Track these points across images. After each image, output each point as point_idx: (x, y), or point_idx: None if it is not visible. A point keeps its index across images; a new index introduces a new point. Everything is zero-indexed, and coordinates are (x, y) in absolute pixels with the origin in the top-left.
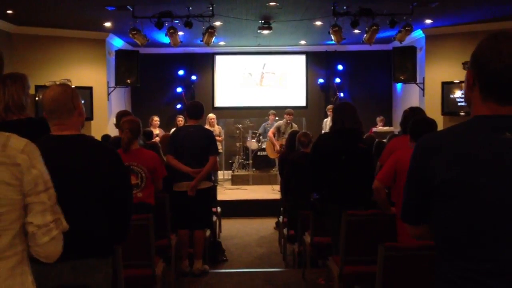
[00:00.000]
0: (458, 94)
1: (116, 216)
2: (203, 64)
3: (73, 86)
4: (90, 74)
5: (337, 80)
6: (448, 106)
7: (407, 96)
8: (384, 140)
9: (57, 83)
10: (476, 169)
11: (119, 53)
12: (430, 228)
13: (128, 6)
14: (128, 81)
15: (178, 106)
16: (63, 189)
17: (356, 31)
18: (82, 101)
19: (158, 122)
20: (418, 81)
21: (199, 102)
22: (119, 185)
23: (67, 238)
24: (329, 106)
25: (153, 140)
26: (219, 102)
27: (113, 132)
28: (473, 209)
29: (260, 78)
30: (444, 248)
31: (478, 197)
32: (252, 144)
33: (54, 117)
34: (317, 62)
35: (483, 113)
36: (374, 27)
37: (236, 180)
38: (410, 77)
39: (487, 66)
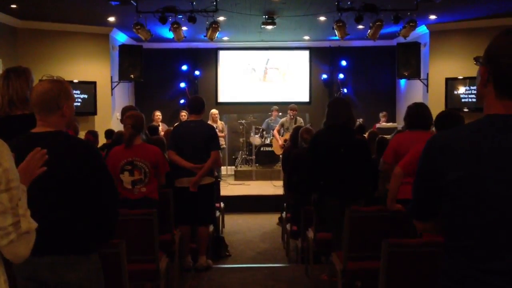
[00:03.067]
0: (462, 90)
1: (97, 213)
2: (207, 59)
3: (66, 81)
4: (94, 68)
5: (341, 75)
6: (452, 102)
7: (411, 92)
8: (387, 136)
9: (55, 77)
10: (487, 168)
11: (123, 48)
12: (437, 225)
13: (132, 1)
14: (132, 76)
15: (182, 101)
16: (38, 185)
17: (360, 26)
18: (85, 96)
19: (160, 117)
20: (422, 77)
21: (200, 97)
22: (97, 179)
23: (43, 234)
24: None
25: (158, 136)
26: (222, 97)
27: (117, 126)
28: (483, 208)
29: (264, 74)
30: (451, 246)
31: (487, 196)
32: (256, 139)
33: (36, 111)
34: (321, 57)
35: (496, 112)
36: (378, 23)
37: (239, 176)
38: (414, 73)
39: (502, 63)
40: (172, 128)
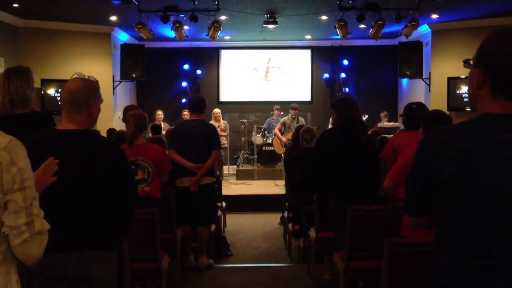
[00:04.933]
0: (464, 89)
1: (119, 209)
2: (208, 58)
3: (97, 82)
4: (96, 68)
5: (343, 75)
6: (454, 102)
7: (413, 91)
8: (388, 136)
9: (86, 77)
10: (482, 166)
11: (125, 47)
12: (431, 221)
13: (133, 0)
14: (134, 75)
15: (183, 100)
16: (64, 181)
17: (362, 25)
18: None
19: (162, 116)
20: (424, 77)
21: (201, 96)
22: (122, 178)
23: (72, 229)
24: None
25: (159, 135)
26: (224, 96)
27: (119, 126)
28: (478, 206)
29: (265, 73)
30: (445, 243)
31: (483, 194)
32: (257, 139)
33: (64, 108)
34: (323, 57)
35: (491, 111)
36: (380, 22)
37: (241, 175)
38: (416, 72)
39: (498, 64)
40: (173, 127)
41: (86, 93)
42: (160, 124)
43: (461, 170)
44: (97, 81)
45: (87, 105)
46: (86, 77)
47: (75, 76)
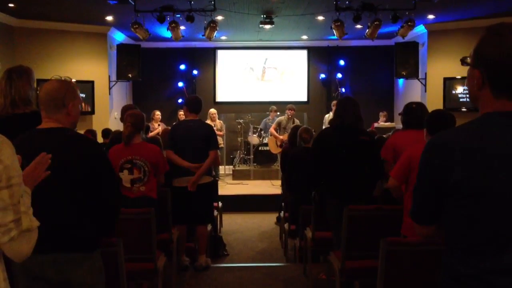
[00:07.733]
0: (460, 90)
1: (100, 208)
2: (205, 58)
3: (74, 82)
4: (92, 68)
5: (339, 75)
6: (450, 102)
7: (409, 91)
8: (385, 136)
9: (63, 78)
10: (491, 167)
11: (121, 47)
12: (440, 226)
13: (130, 0)
14: (130, 75)
15: (180, 100)
16: (44, 181)
17: (358, 26)
18: (83, 95)
19: (160, 117)
20: (420, 77)
21: (197, 96)
22: (102, 176)
23: (50, 231)
24: (334, 102)
25: (154, 135)
26: (220, 96)
27: (115, 126)
28: (487, 207)
29: (262, 73)
30: (454, 245)
31: (492, 194)
32: (254, 139)
33: (42, 108)
34: (319, 57)
35: (494, 110)
36: (376, 22)
37: (237, 175)
38: (412, 73)
39: (496, 64)
40: (170, 127)
41: (63, 93)
42: (156, 124)
43: (470, 172)
44: (73, 81)
45: (63, 104)
46: (63, 78)
47: (53, 78)
